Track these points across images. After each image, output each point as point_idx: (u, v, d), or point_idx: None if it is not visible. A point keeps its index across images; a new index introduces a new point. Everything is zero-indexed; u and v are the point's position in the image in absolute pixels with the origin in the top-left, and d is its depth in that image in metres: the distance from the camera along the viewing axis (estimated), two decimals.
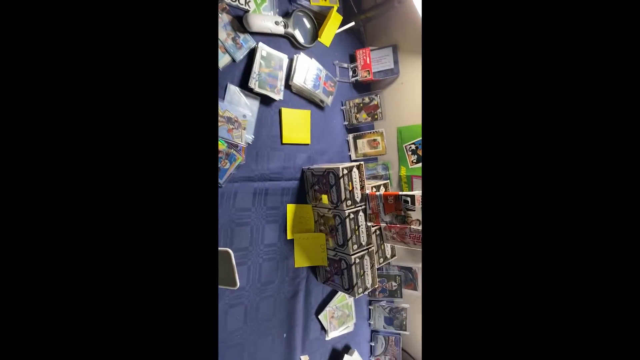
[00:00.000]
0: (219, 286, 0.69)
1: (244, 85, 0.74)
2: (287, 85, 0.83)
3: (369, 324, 1.04)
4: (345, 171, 0.77)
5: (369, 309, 1.04)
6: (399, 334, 1.01)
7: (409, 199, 0.73)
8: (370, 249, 0.82)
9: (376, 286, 0.83)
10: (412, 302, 0.99)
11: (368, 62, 0.96)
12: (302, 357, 0.85)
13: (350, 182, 0.78)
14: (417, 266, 0.98)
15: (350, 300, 0.96)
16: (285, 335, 0.82)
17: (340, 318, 0.94)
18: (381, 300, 1.03)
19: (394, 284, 1.00)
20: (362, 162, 0.80)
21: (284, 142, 0.82)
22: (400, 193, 0.75)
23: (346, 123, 0.98)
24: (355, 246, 0.79)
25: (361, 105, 0.96)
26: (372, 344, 1.03)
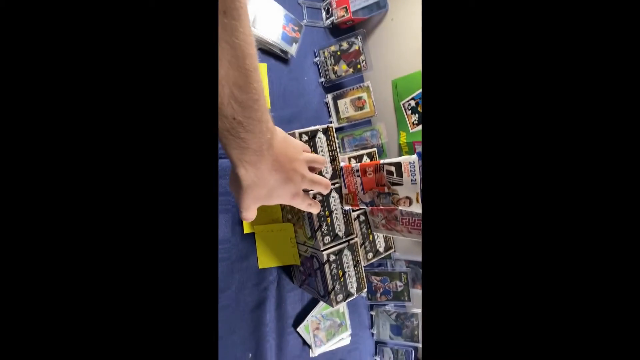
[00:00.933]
0: None
1: None
2: None
3: (372, 333, 0.82)
4: (305, 137, 0.56)
5: (371, 315, 0.83)
6: (412, 346, 0.78)
7: (393, 168, 0.50)
8: (352, 241, 0.60)
9: (364, 290, 0.62)
10: None
11: None
12: None
13: (313, 152, 0.56)
14: None
15: (342, 306, 0.75)
16: (250, 355, 0.64)
17: (328, 329, 0.74)
18: (385, 304, 0.81)
19: (399, 283, 0.77)
20: (331, 126, 0.58)
21: None
22: (382, 161, 0.52)
23: (322, 80, 0.76)
24: (328, 238, 0.58)
25: (338, 53, 0.73)
26: (377, 358, 0.82)
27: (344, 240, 0.60)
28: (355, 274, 0.61)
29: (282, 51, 0.69)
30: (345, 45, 0.72)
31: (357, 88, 0.73)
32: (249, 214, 0.39)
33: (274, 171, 0.37)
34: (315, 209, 0.49)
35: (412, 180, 0.49)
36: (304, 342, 0.71)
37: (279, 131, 0.38)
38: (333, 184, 0.59)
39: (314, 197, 0.56)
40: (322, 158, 0.48)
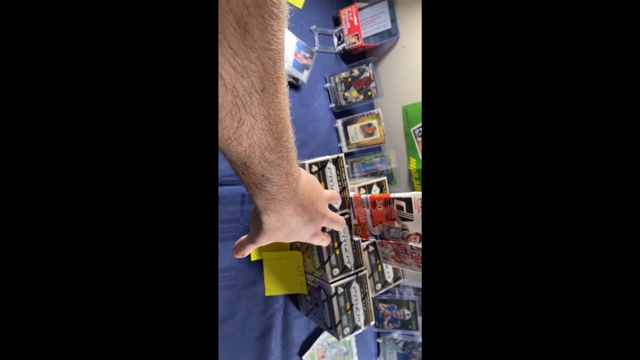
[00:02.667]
0: None
1: None
2: None
3: None
4: (315, 168, 0.56)
5: (378, 343, 0.81)
6: None
7: (403, 203, 0.50)
8: (360, 274, 0.60)
9: (372, 322, 0.60)
10: None
11: (356, 23, 0.73)
12: None
13: (322, 183, 0.56)
14: None
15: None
16: None
17: (334, 358, 0.73)
18: (392, 332, 0.79)
19: (406, 311, 0.76)
20: (340, 156, 0.58)
21: None
22: (392, 195, 0.52)
23: (333, 105, 0.76)
24: (337, 270, 0.57)
25: (349, 79, 0.73)
26: None
27: (352, 272, 0.59)
28: (363, 306, 0.60)
29: (294, 78, 0.69)
30: (356, 72, 0.72)
31: (367, 115, 0.73)
32: (253, 248, 0.41)
33: (296, 215, 0.38)
34: (326, 243, 0.49)
35: (421, 215, 0.48)
36: None
37: (303, 173, 0.39)
38: (342, 214, 0.58)
39: (323, 229, 0.55)
40: (338, 194, 0.49)
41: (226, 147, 0.25)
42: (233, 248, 0.43)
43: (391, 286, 0.67)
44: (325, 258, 0.56)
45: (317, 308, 0.62)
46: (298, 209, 0.37)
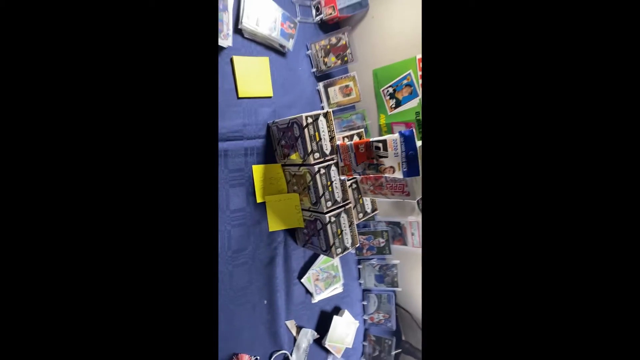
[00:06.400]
0: None
1: None
2: (238, 30, 0.72)
3: (360, 283, 0.99)
4: (310, 120, 0.68)
5: (359, 269, 1.00)
6: (392, 290, 0.96)
7: (380, 144, 0.65)
8: (347, 206, 0.75)
9: (357, 245, 0.77)
10: (401, 257, 0.93)
11: None
12: (287, 322, 0.82)
13: (317, 133, 0.69)
14: (405, 220, 0.91)
15: (335, 261, 0.91)
16: (266, 301, 0.78)
17: (326, 280, 0.90)
18: (370, 259, 0.98)
19: (381, 240, 0.94)
20: (329, 110, 0.71)
21: (240, 96, 0.73)
22: (372, 139, 0.66)
23: (314, 70, 0.88)
24: (330, 203, 0.72)
25: (328, 47, 0.85)
26: (365, 302, 1.00)
27: (341, 205, 0.74)
28: (350, 232, 0.76)
29: (281, 46, 0.79)
30: (334, 40, 0.84)
31: (345, 77, 0.86)
32: None
33: None
34: None
35: (394, 153, 0.63)
36: (307, 291, 0.86)
37: None
38: (330, 159, 0.72)
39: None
40: None
41: None
42: None
43: (370, 215, 0.84)
44: (321, 194, 0.70)
45: (314, 237, 0.77)
46: None
